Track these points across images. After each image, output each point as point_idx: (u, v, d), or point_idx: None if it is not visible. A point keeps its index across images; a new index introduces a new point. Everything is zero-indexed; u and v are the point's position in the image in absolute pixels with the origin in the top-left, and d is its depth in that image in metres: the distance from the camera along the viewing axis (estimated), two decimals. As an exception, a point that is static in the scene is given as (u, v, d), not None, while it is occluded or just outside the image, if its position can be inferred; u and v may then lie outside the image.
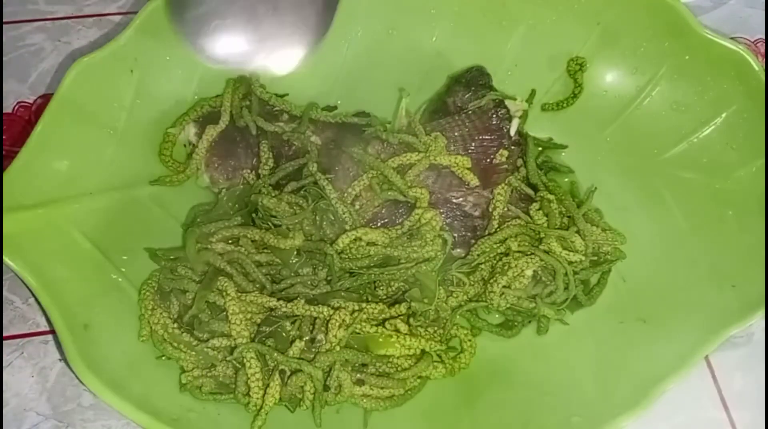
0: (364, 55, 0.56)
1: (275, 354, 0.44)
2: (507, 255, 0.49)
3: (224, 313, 0.45)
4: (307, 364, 0.44)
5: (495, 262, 0.49)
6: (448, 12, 0.56)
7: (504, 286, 0.48)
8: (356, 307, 0.46)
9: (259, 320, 0.46)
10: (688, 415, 0.48)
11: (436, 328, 0.47)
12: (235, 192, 0.51)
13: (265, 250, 0.48)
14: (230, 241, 0.48)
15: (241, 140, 0.52)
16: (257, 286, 0.47)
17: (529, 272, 0.48)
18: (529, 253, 0.49)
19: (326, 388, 0.44)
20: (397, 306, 0.46)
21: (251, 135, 0.52)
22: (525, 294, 0.49)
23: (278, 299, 0.46)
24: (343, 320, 0.45)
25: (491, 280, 0.48)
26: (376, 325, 0.46)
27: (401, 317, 0.46)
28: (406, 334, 0.45)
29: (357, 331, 0.45)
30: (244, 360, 0.44)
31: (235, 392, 0.44)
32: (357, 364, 0.45)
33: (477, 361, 0.47)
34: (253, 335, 0.45)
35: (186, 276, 0.47)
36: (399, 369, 0.46)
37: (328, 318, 0.45)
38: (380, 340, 0.45)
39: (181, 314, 0.46)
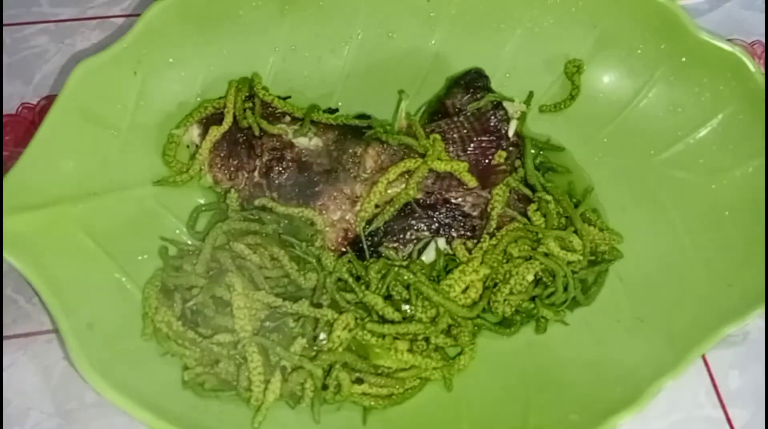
0: (364, 58, 0.57)
1: (277, 348, 0.44)
2: (508, 261, 0.50)
3: (229, 308, 0.45)
4: (308, 362, 0.44)
5: (496, 269, 0.49)
6: (447, 15, 0.56)
7: (507, 295, 0.48)
8: (361, 315, 0.47)
9: (263, 315, 0.46)
10: (684, 413, 0.48)
11: (435, 350, 0.47)
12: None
13: (279, 267, 0.48)
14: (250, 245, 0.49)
15: (244, 141, 0.52)
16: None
17: (530, 277, 0.49)
18: (528, 257, 0.49)
19: (325, 386, 0.45)
20: (405, 323, 0.47)
21: (254, 136, 0.52)
22: (526, 295, 0.49)
23: (284, 299, 0.46)
24: (348, 323, 0.46)
25: (495, 290, 0.49)
26: (378, 337, 0.46)
27: (406, 337, 0.47)
28: (404, 350, 0.46)
29: (358, 337, 0.46)
30: (247, 354, 0.44)
31: (237, 387, 0.44)
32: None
33: (476, 359, 0.48)
34: (256, 330, 0.45)
35: (193, 272, 0.47)
36: (398, 370, 0.46)
37: (332, 320, 0.46)
38: (377, 350, 0.46)
39: (185, 312, 0.46)
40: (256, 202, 0.51)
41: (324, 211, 0.51)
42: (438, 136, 0.52)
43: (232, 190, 0.52)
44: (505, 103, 0.54)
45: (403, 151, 0.52)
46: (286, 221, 0.50)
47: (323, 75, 0.56)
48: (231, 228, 0.49)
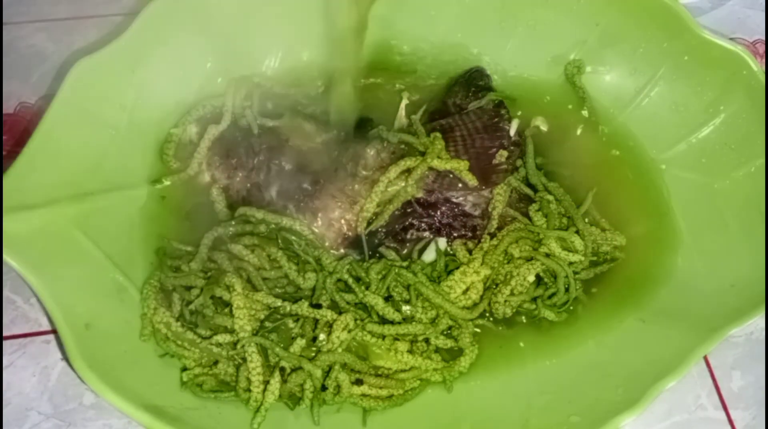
0: (366, 58, 0.56)
1: (277, 348, 0.44)
2: (509, 262, 0.49)
3: (228, 308, 0.45)
4: (307, 362, 0.44)
5: (497, 270, 0.49)
6: (448, 14, 0.56)
7: (508, 296, 0.48)
8: (361, 316, 0.47)
9: (262, 316, 0.46)
10: (686, 415, 0.48)
11: (436, 351, 0.47)
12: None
13: (277, 267, 0.48)
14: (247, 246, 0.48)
15: (242, 140, 0.52)
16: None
17: (531, 278, 0.49)
18: (530, 258, 0.49)
19: (324, 387, 0.45)
20: (405, 324, 0.47)
21: (253, 134, 0.52)
22: (527, 296, 0.49)
23: (283, 300, 0.46)
24: (348, 324, 0.45)
25: (495, 291, 0.49)
26: (377, 337, 0.46)
27: (406, 338, 0.47)
28: (404, 351, 0.46)
29: (357, 337, 0.46)
30: (246, 354, 0.44)
31: (236, 387, 0.44)
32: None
33: (476, 361, 0.47)
34: (255, 331, 0.45)
35: (192, 272, 0.47)
36: (398, 371, 0.46)
37: (332, 321, 0.46)
38: (377, 351, 0.46)
39: (184, 312, 0.46)
40: (239, 211, 0.50)
41: (323, 210, 0.50)
42: (438, 135, 0.52)
43: (214, 187, 0.51)
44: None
45: (404, 149, 0.52)
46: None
47: (323, 73, 0.56)
48: (227, 230, 0.48)
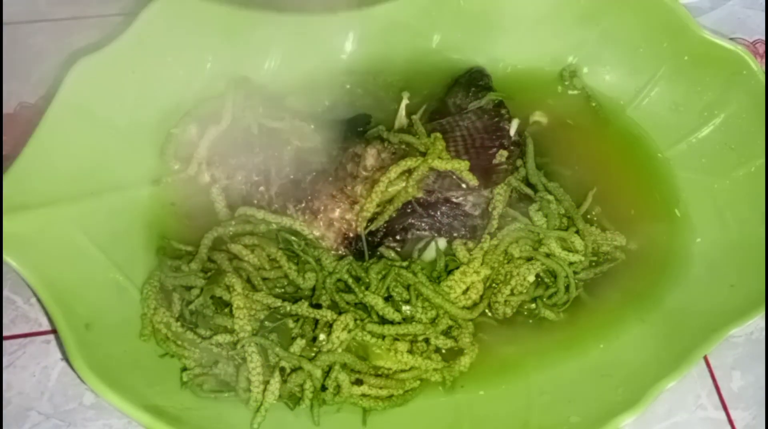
0: (365, 57, 0.56)
1: (277, 348, 0.44)
2: (509, 262, 0.49)
3: (228, 308, 0.45)
4: (307, 362, 0.44)
5: (497, 270, 0.49)
6: (448, 14, 0.56)
7: (508, 295, 0.48)
8: (361, 316, 0.47)
9: (262, 316, 0.46)
10: (686, 415, 0.48)
11: (436, 351, 0.47)
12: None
13: (277, 267, 0.48)
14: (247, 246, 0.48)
15: (242, 140, 0.52)
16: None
17: (531, 278, 0.49)
18: (530, 258, 0.49)
19: (324, 387, 0.45)
20: (405, 324, 0.47)
21: (253, 134, 0.52)
22: (527, 296, 0.49)
23: (283, 300, 0.46)
24: (347, 324, 0.45)
25: (495, 291, 0.49)
26: (377, 338, 0.46)
27: (406, 338, 0.47)
28: (404, 351, 0.46)
29: (357, 337, 0.46)
30: (246, 354, 0.44)
31: (236, 387, 0.44)
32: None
33: (477, 361, 0.47)
34: (255, 331, 0.45)
35: (192, 272, 0.47)
36: (398, 371, 0.46)
37: (332, 321, 0.46)
38: (377, 351, 0.46)
39: (184, 312, 0.46)
40: (239, 211, 0.50)
41: (323, 210, 0.50)
42: (439, 135, 0.52)
43: (214, 187, 0.51)
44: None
45: (404, 149, 0.52)
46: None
47: (323, 73, 0.56)
48: (227, 230, 0.49)
